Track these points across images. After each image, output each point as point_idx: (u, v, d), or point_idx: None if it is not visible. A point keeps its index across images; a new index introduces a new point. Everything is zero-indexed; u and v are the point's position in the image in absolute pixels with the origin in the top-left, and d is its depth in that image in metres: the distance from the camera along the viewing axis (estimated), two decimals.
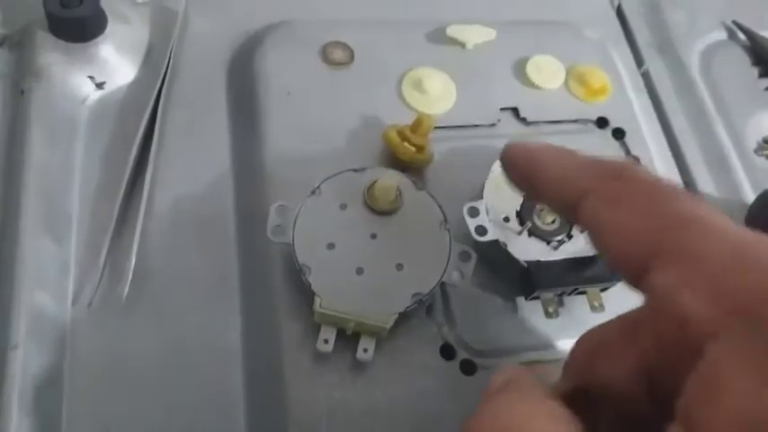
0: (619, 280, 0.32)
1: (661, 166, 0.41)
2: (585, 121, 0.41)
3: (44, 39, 0.37)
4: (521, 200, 0.33)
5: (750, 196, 0.41)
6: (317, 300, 0.29)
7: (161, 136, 0.36)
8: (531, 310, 0.34)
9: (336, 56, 0.40)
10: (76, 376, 0.31)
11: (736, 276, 0.18)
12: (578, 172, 0.23)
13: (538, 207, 0.34)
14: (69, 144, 0.36)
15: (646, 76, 0.46)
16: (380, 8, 0.44)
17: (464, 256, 0.31)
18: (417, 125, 0.35)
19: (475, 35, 0.42)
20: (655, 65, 0.46)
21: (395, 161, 0.35)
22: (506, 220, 0.34)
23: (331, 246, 0.30)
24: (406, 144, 0.35)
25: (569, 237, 0.33)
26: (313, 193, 0.31)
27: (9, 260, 0.32)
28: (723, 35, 0.49)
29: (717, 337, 0.17)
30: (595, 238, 0.22)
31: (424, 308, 0.32)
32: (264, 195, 0.34)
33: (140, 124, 0.36)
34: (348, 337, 0.30)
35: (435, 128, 0.36)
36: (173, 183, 0.36)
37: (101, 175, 0.35)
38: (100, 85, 0.38)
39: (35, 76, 0.36)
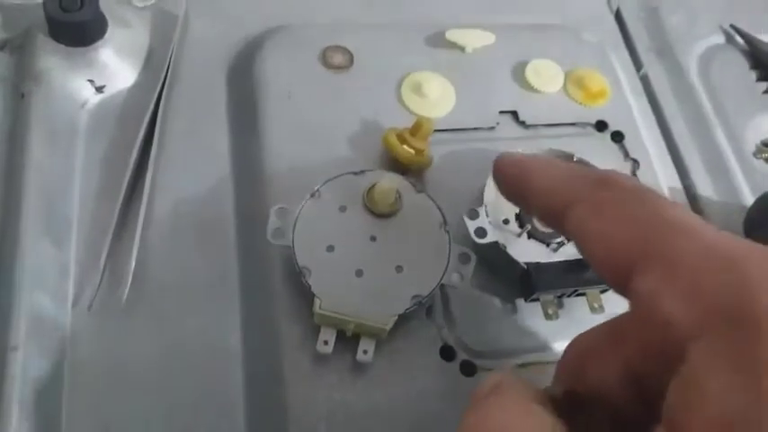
0: None
1: (660, 169, 0.41)
2: (584, 125, 0.41)
3: (44, 43, 0.37)
4: None
5: (749, 199, 0.41)
6: (317, 301, 0.29)
7: (161, 139, 0.36)
8: (530, 312, 0.34)
9: (336, 60, 0.40)
10: (76, 378, 0.31)
11: (714, 277, 0.18)
12: (565, 183, 0.24)
13: None
14: (69, 147, 0.36)
15: (644, 80, 0.46)
16: (380, 12, 0.44)
17: (464, 258, 0.31)
18: (417, 128, 0.35)
19: (474, 39, 0.42)
20: (653, 68, 0.46)
21: (394, 164, 0.35)
22: (506, 222, 0.34)
23: (331, 248, 0.31)
24: (405, 147, 0.35)
25: (568, 239, 0.33)
26: (313, 195, 0.32)
27: (9, 262, 0.32)
28: (721, 39, 0.49)
29: (697, 340, 0.17)
30: (581, 247, 0.23)
31: (423, 309, 0.32)
32: (264, 198, 0.34)
33: (140, 128, 0.36)
34: (348, 339, 0.30)
35: (435, 131, 0.36)
36: (173, 186, 0.36)
37: (101, 179, 0.35)
38: (100, 89, 0.38)
39: (35, 80, 0.36)
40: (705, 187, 0.41)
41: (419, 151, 0.35)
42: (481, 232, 0.32)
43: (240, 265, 0.34)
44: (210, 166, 0.37)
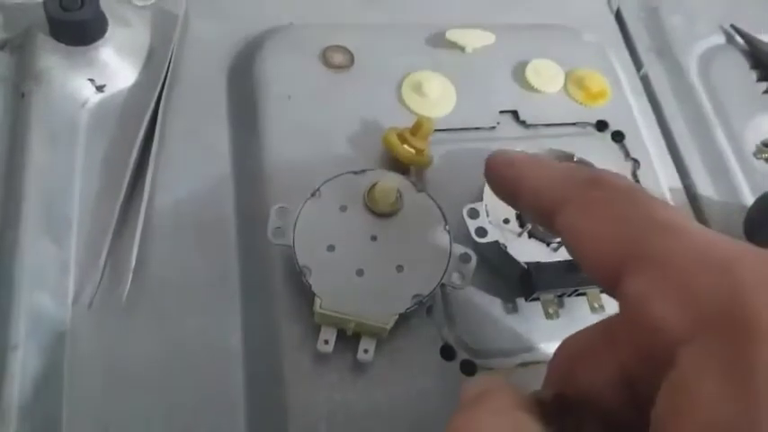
0: None
1: (660, 169, 0.41)
2: (585, 125, 0.41)
3: (45, 42, 0.37)
4: None
5: (749, 199, 0.41)
6: (318, 301, 0.29)
7: (161, 139, 0.36)
8: (530, 312, 0.34)
9: (336, 59, 0.40)
10: (76, 377, 0.31)
11: (705, 280, 0.18)
12: (555, 182, 0.24)
13: None
14: (70, 147, 0.36)
15: (645, 80, 0.46)
16: (380, 12, 0.44)
17: (464, 258, 0.31)
18: (417, 128, 0.35)
19: (474, 39, 0.42)
20: (654, 68, 0.46)
21: (395, 164, 0.35)
22: (506, 221, 0.34)
23: (331, 247, 0.30)
24: (405, 147, 0.35)
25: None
26: (313, 195, 0.32)
27: (9, 261, 0.32)
28: (721, 39, 0.49)
29: (687, 345, 0.17)
30: (570, 247, 0.22)
31: (424, 309, 0.32)
32: (265, 197, 0.34)
33: (141, 127, 0.36)
34: (348, 338, 0.30)
35: (435, 131, 0.36)
36: (173, 185, 0.36)
37: (101, 178, 0.35)
38: (100, 89, 0.38)
39: (35, 80, 0.36)
40: (705, 187, 0.41)
41: (419, 151, 0.35)
42: (481, 232, 0.32)
43: (240, 265, 0.34)
44: (211, 165, 0.37)
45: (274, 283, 0.32)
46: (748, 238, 0.39)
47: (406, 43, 0.42)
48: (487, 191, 0.34)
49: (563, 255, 0.33)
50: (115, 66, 0.38)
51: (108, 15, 0.38)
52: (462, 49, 0.42)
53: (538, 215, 0.25)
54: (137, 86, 0.38)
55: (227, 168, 0.37)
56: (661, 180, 0.40)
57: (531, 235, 0.33)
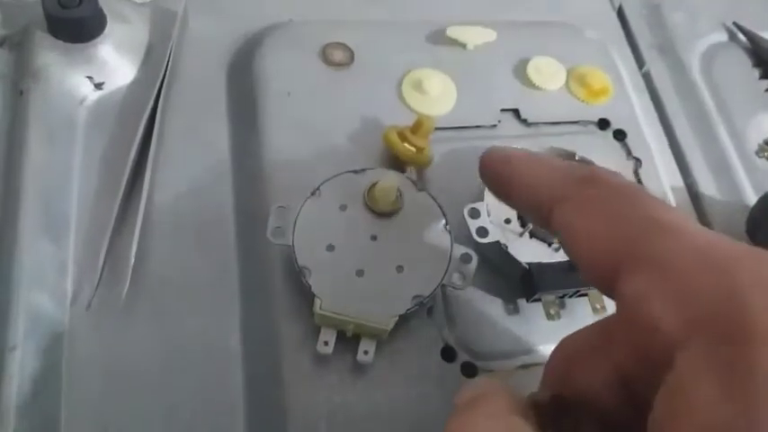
0: None
1: (662, 167, 0.41)
2: (586, 123, 0.41)
3: (43, 39, 0.37)
4: None
5: (751, 198, 0.41)
6: (317, 301, 0.29)
7: (160, 137, 0.36)
8: (532, 313, 0.33)
9: (336, 57, 0.40)
10: (75, 378, 0.30)
11: (703, 282, 0.17)
12: (550, 180, 0.23)
13: None
14: (68, 144, 0.36)
15: (647, 78, 0.46)
16: (380, 9, 0.44)
17: (465, 258, 0.31)
18: (418, 126, 0.35)
19: (475, 36, 0.41)
20: (656, 66, 0.46)
21: (395, 162, 0.35)
22: (507, 221, 0.34)
23: (331, 247, 0.30)
24: (406, 145, 0.35)
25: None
26: (313, 194, 0.31)
27: (7, 261, 0.31)
28: (724, 37, 0.48)
29: (685, 348, 0.17)
30: (566, 246, 0.22)
31: (424, 310, 0.32)
32: (264, 196, 0.34)
33: (139, 125, 0.35)
34: (348, 339, 0.30)
35: (436, 129, 0.36)
36: (172, 183, 0.36)
37: (100, 176, 0.35)
38: (99, 86, 0.37)
39: (34, 77, 0.36)
40: (707, 186, 0.41)
41: (420, 149, 0.35)
42: (482, 231, 0.32)
43: (240, 264, 0.34)
44: (210, 163, 0.37)
45: (274, 284, 0.32)
46: (750, 237, 0.38)
47: (407, 40, 0.41)
48: (488, 190, 0.33)
49: (564, 255, 0.32)
50: (114, 63, 0.38)
51: (106, 12, 0.37)
52: (463, 46, 0.41)
53: (533, 213, 0.25)
54: (135, 84, 0.38)
55: (226, 166, 0.37)
56: (663, 178, 0.40)
57: (532, 235, 0.33)
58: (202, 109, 0.38)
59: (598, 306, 0.33)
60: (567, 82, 0.41)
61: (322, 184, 0.32)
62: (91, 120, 0.37)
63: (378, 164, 0.36)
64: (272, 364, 0.31)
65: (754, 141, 0.44)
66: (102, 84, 0.37)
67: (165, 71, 0.37)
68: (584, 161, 0.36)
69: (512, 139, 0.39)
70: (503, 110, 0.40)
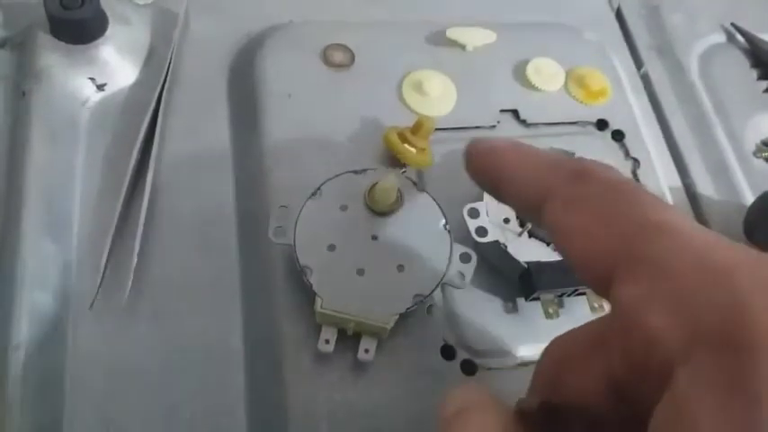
0: None
1: (660, 167, 0.41)
2: (585, 123, 0.41)
3: (45, 40, 0.37)
4: None
5: (749, 198, 0.41)
6: (318, 300, 0.29)
7: (162, 137, 0.36)
8: (531, 311, 0.34)
9: (337, 58, 0.40)
10: (78, 377, 0.31)
11: (703, 291, 0.17)
12: (539, 174, 0.22)
13: None
14: (70, 145, 0.36)
15: (645, 79, 0.46)
16: (381, 10, 0.44)
17: (465, 258, 0.31)
18: (418, 127, 0.35)
19: (475, 37, 0.42)
20: (654, 67, 0.46)
21: (395, 163, 0.35)
22: (506, 221, 0.34)
23: (332, 247, 0.31)
24: (406, 146, 0.35)
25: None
26: (314, 194, 0.32)
27: (10, 261, 0.32)
28: (722, 38, 0.49)
29: (685, 364, 0.16)
30: (558, 244, 0.21)
31: (424, 308, 0.32)
32: (265, 197, 0.34)
33: (141, 126, 0.36)
34: (349, 338, 0.30)
35: (436, 130, 0.36)
36: (174, 184, 0.36)
37: (102, 177, 0.35)
38: (101, 87, 0.38)
39: (36, 78, 0.36)
40: (705, 186, 0.41)
41: (420, 150, 0.35)
42: (482, 231, 0.33)
43: (241, 264, 0.34)
44: (212, 164, 0.37)
45: (275, 283, 0.32)
46: (748, 237, 0.39)
47: (407, 42, 0.42)
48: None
49: None
50: (116, 64, 0.38)
51: (108, 14, 0.38)
52: (463, 47, 0.42)
53: (522, 207, 0.24)
54: (137, 85, 0.38)
55: (227, 167, 0.37)
56: (661, 179, 0.40)
57: (531, 234, 0.33)
58: (204, 110, 0.38)
59: (596, 305, 0.33)
60: (565, 83, 0.42)
61: (323, 184, 0.32)
62: (93, 121, 0.37)
63: (378, 164, 0.36)
64: (273, 363, 0.31)
65: (752, 142, 0.44)
66: (105, 85, 0.38)
67: (167, 72, 0.38)
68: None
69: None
70: (502, 111, 0.40)
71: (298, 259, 0.30)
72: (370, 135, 0.37)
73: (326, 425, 0.30)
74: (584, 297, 0.33)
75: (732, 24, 0.49)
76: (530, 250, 0.33)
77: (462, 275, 0.31)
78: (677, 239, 0.18)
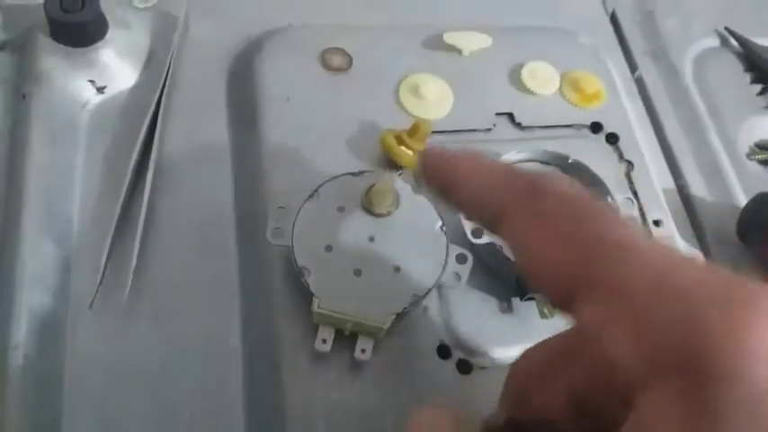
0: None
1: (654, 170, 0.41)
2: (580, 127, 0.41)
3: (45, 43, 0.37)
4: None
5: (742, 200, 0.41)
6: (316, 300, 0.30)
7: (161, 140, 0.37)
8: (525, 311, 0.34)
9: (335, 62, 0.40)
10: (77, 377, 0.31)
11: (662, 312, 0.16)
12: (497, 186, 0.22)
13: None
14: (70, 147, 0.36)
15: (639, 82, 0.46)
16: (378, 15, 0.45)
17: (461, 258, 0.32)
18: (415, 130, 0.35)
19: (471, 42, 0.42)
20: (648, 71, 0.47)
21: (392, 165, 0.36)
22: None
23: (329, 248, 0.31)
24: (403, 149, 0.35)
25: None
26: (311, 196, 0.32)
27: (10, 261, 0.32)
28: (716, 42, 0.49)
29: (646, 389, 0.16)
30: (518, 260, 0.21)
31: (420, 309, 0.33)
32: (264, 199, 0.35)
33: (141, 128, 0.36)
34: (346, 338, 0.31)
35: (432, 132, 0.36)
36: (173, 186, 0.36)
37: (102, 179, 0.36)
38: (101, 90, 0.38)
39: (36, 81, 0.36)
40: (699, 188, 0.42)
41: (417, 152, 0.36)
42: (477, 233, 0.33)
43: (240, 265, 0.34)
44: (210, 166, 0.37)
45: (273, 284, 0.32)
46: (741, 239, 0.39)
47: (404, 46, 0.42)
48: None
49: None
50: (115, 67, 0.38)
51: (108, 17, 0.38)
52: (459, 51, 0.42)
53: (478, 219, 0.23)
54: (137, 88, 0.39)
55: (226, 169, 0.37)
56: (655, 181, 0.41)
57: None
58: (203, 112, 0.39)
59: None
60: (560, 87, 0.42)
61: (320, 186, 0.32)
62: (93, 123, 0.37)
63: (375, 167, 0.36)
64: (271, 363, 0.31)
65: (745, 144, 0.44)
66: (104, 88, 0.38)
67: (167, 75, 0.38)
68: (577, 165, 0.37)
69: (506, 142, 0.39)
70: (498, 114, 0.41)
71: (295, 260, 0.30)
72: (367, 138, 0.37)
73: (324, 424, 0.30)
74: None
75: (726, 28, 0.49)
76: None
77: (458, 276, 0.31)
78: (637, 259, 0.18)
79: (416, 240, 0.32)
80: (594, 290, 0.18)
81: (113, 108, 0.38)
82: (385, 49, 0.41)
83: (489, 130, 0.40)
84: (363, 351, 0.30)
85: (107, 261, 0.33)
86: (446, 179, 0.24)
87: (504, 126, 0.41)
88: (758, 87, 0.47)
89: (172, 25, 0.40)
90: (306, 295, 0.30)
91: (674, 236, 0.39)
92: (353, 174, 0.33)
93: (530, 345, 0.33)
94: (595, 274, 0.18)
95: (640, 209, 0.39)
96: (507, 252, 0.33)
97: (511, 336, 0.33)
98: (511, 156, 0.37)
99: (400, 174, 0.35)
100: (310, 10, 0.44)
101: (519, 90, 0.42)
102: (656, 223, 0.39)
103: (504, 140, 0.40)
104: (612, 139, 0.41)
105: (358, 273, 0.30)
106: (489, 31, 0.43)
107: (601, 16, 0.49)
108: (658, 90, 0.46)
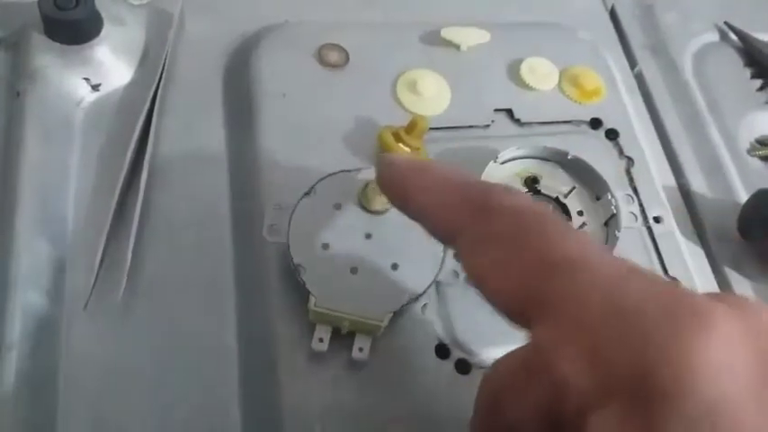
0: None
1: (654, 166, 0.41)
2: (579, 122, 0.41)
3: (39, 41, 0.37)
4: None
5: (743, 196, 0.41)
6: (312, 299, 0.29)
7: (157, 137, 0.36)
8: None
9: (331, 58, 0.40)
10: (72, 376, 0.31)
11: (613, 334, 0.16)
12: (446, 205, 0.22)
13: None
14: (65, 146, 0.36)
15: (639, 78, 0.46)
16: (375, 10, 0.44)
17: (458, 256, 0.31)
18: (412, 126, 0.35)
19: (469, 37, 0.42)
20: (648, 66, 0.46)
21: None
22: None
23: (326, 245, 0.31)
24: (400, 145, 0.35)
25: None
26: (307, 193, 0.32)
27: (4, 261, 0.32)
28: (716, 37, 0.49)
29: (597, 412, 0.16)
30: (473, 283, 0.21)
31: (419, 307, 0.32)
32: (260, 196, 0.34)
33: (136, 126, 0.36)
34: (343, 337, 0.30)
35: (430, 129, 0.36)
36: (168, 183, 0.36)
37: (96, 177, 0.35)
38: (95, 87, 0.38)
39: (30, 79, 0.36)
40: (699, 184, 0.42)
41: (414, 149, 0.35)
42: None
43: (235, 263, 0.34)
44: (206, 163, 0.37)
45: (269, 282, 0.32)
46: (742, 235, 0.39)
47: (401, 41, 0.42)
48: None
49: None
50: (110, 65, 0.38)
51: (103, 14, 0.38)
52: (457, 47, 0.42)
53: (434, 236, 0.24)
54: (132, 85, 0.38)
55: (222, 166, 0.37)
56: (655, 178, 0.40)
57: None
58: (198, 110, 0.38)
59: None
60: (559, 82, 0.42)
61: (317, 183, 0.32)
62: (88, 121, 0.37)
63: (372, 164, 0.36)
64: (268, 362, 0.31)
65: (746, 140, 0.44)
66: (99, 85, 0.38)
67: (162, 72, 0.38)
68: (576, 161, 0.37)
69: (505, 138, 0.39)
70: (496, 110, 0.40)
71: (291, 258, 0.30)
72: (364, 134, 0.37)
73: (321, 423, 0.29)
74: None
75: (725, 23, 0.49)
76: None
77: (456, 273, 0.31)
78: (584, 276, 0.18)
79: (413, 237, 0.31)
80: (544, 311, 0.18)
81: (108, 106, 0.38)
82: (382, 44, 0.41)
83: (488, 126, 0.40)
84: (361, 350, 0.30)
85: (102, 259, 0.33)
86: (399, 194, 0.24)
87: (503, 122, 0.40)
88: (758, 83, 0.47)
89: (167, 22, 0.39)
90: (302, 293, 0.30)
91: (674, 232, 0.39)
92: (350, 170, 0.32)
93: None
94: (544, 295, 0.18)
95: (640, 205, 0.39)
96: None
97: (510, 335, 0.33)
98: (509, 152, 0.37)
99: None
100: (306, 6, 0.43)
101: (518, 86, 0.41)
102: (657, 220, 0.38)
103: (502, 137, 0.39)
104: (612, 134, 0.41)
105: (355, 270, 0.30)
106: (487, 27, 0.42)
107: (600, 11, 0.49)
108: (658, 85, 0.46)
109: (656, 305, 0.16)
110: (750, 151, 0.44)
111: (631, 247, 0.37)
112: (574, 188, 0.37)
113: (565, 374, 0.17)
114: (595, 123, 0.41)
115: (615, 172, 0.39)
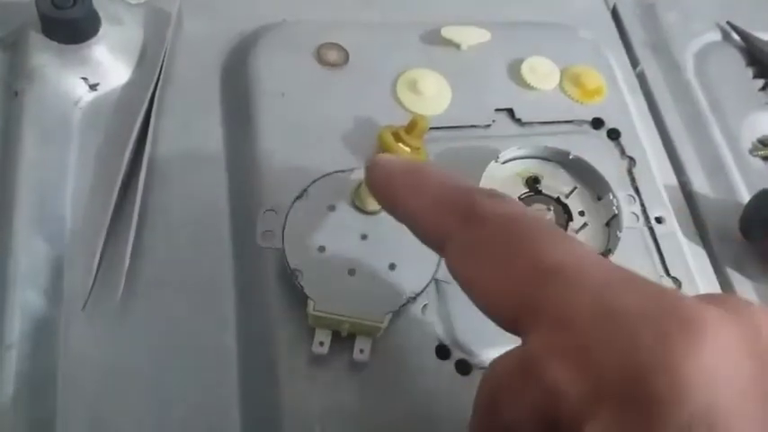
0: None
1: (656, 166, 0.41)
2: (580, 122, 0.41)
3: (37, 40, 0.37)
4: (515, 197, 0.33)
5: (745, 197, 0.41)
6: (311, 303, 0.29)
7: (155, 137, 0.36)
8: None
9: (331, 57, 0.40)
10: (70, 377, 0.30)
11: (603, 340, 0.16)
12: (434, 211, 0.22)
13: (534, 206, 0.34)
14: (63, 145, 0.36)
15: (641, 77, 0.46)
16: (375, 9, 0.44)
17: (446, 261, 0.31)
18: (412, 126, 0.35)
19: (469, 36, 0.42)
20: (650, 66, 0.46)
21: None
22: None
23: (322, 248, 0.30)
24: (400, 145, 0.35)
25: None
26: (300, 196, 0.31)
27: (3, 261, 0.31)
28: (718, 36, 0.49)
29: (591, 420, 0.16)
30: (463, 290, 0.21)
31: (418, 308, 0.32)
32: (259, 197, 0.34)
33: (134, 125, 0.35)
34: (344, 339, 0.30)
35: (430, 129, 0.36)
36: (166, 183, 0.36)
37: (94, 177, 0.35)
38: (93, 87, 0.37)
39: (28, 78, 0.36)
40: (701, 185, 0.41)
41: (415, 149, 0.35)
42: None
43: (234, 265, 0.34)
44: (204, 163, 0.37)
45: (268, 284, 0.32)
46: (744, 235, 0.39)
47: (401, 41, 0.42)
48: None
49: None
50: (108, 64, 0.38)
51: (101, 13, 0.37)
52: (458, 46, 0.41)
53: (422, 241, 0.23)
54: (130, 85, 0.38)
55: (220, 166, 0.37)
56: (657, 177, 0.40)
57: None
58: (196, 109, 0.38)
59: None
60: (561, 82, 0.42)
61: (309, 185, 0.32)
62: (86, 120, 0.37)
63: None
64: (267, 363, 0.31)
65: (748, 140, 0.44)
66: (97, 85, 0.37)
67: (160, 72, 0.38)
68: (578, 161, 0.36)
69: (506, 138, 0.39)
70: (497, 110, 0.40)
71: (287, 262, 0.30)
72: (364, 134, 0.37)
73: (321, 424, 0.29)
74: None
75: (727, 23, 0.48)
76: None
77: None
78: (573, 282, 0.17)
79: (410, 236, 0.31)
80: (534, 318, 0.18)
81: (106, 105, 0.37)
82: (382, 44, 0.41)
83: (488, 125, 0.40)
84: (362, 351, 0.30)
85: (100, 260, 0.32)
86: (387, 198, 0.24)
87: (504, 122, 0.40)
88: (760, 82, 0.46)
89: (165, 21, 0.39)
90: (301, 297, 0.30)
91: (676, 233, 0.38)
92: (342, 171, 0.32)
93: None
94: (537, 303, 0.18)
95: (642, 205, 0.38)
96: None
97: (511, 336, 0.33)
98: (510, 152, 0.37)
99: None
100: (305, 5, 0.43)
101: (519, 85, 0.41)
102: (659, 220, 0.38)
103: (503, 136, 0.39)
104: (614, 134, 0.41)
105: (352, 272, 0.30)
106: (488, 26, 0.42)
107: (602, 10, 0.49)
108: (660, 85, 0.45)
109: (649, 312, 0.16)
110: (752, 151, 0.43)
111: (633, 247, 0.37)
112: (575, 188, 0.37)
113: (557, 382, 0.17)
114: (597, 123, 0.41)
115: (617, 172, 0.39)
